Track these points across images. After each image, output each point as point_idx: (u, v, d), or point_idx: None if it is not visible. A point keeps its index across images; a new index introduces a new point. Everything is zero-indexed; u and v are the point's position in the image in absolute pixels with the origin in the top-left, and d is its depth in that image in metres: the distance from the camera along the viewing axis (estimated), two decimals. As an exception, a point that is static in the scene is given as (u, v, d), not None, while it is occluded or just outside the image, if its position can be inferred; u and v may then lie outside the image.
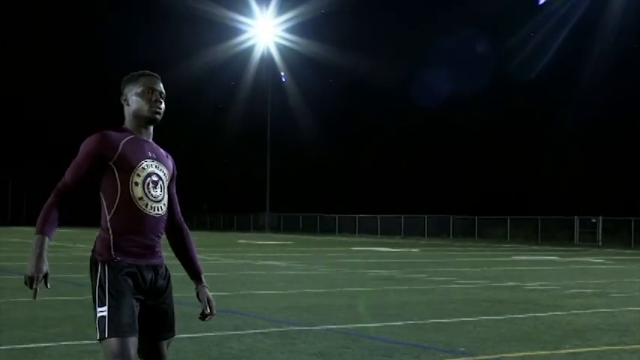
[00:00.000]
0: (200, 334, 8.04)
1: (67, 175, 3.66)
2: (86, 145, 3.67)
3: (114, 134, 3.71)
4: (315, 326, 9.11)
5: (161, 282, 3.76)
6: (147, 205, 3.69)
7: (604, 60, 55.20)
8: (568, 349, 7.80)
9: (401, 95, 62.84)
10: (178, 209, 4.02)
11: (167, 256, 3.85)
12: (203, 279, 3.98)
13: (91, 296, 3.67)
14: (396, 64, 62.84)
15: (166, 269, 3.82)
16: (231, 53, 68.34)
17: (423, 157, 62.78)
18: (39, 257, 3.49)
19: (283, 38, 65.79)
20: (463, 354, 7.45)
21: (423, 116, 62.29)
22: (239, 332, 8.50)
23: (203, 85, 75.53)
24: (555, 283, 16.18)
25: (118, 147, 3.67)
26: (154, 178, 3.75)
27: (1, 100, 77.14)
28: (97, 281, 3.61)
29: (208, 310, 3.90)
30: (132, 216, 3.66)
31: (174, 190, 3.98)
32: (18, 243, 32.45)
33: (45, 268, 3.50)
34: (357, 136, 68.80)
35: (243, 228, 68.60)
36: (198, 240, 41.13)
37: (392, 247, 34.72)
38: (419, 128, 63.25)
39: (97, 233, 3.72)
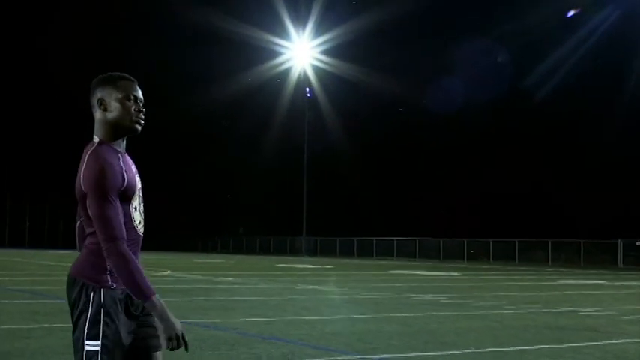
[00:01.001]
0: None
1: (112, 231, 3.14)
2: (102, 186, 3.15)
3: (115, 162, 3.23)
4: (368, 355, 8.54)
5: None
6: (142, 227, 3.35)
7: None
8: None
9: (440, 117, 62.19)
10: None
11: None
12: None
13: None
14: (436, 86, 62.23)
15: None
16: (268, 75, 68.61)
17: (459, 180, 61.93)
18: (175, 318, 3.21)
19: (319, 60, 65.87)
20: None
21: (462, 140, 61.60)
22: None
23: (240, 107, 75.74)
24: (610, 308, 15.51)
25: (124, 174, 3.24)
26: (141, 195, 3.38)
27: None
28: (90, 310, 3.19)
29: None
30: (132, 242, 3.25)
31: None
32: (54, 266, 32.29)
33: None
34: (394, 158, 68.28)
35: (280, 251, 68.18)
36: (235, 264, 40.50)
37: (431, 271, 34.05)
38: (457, 152, 62.58)
39: (79, 255, 3.32)
